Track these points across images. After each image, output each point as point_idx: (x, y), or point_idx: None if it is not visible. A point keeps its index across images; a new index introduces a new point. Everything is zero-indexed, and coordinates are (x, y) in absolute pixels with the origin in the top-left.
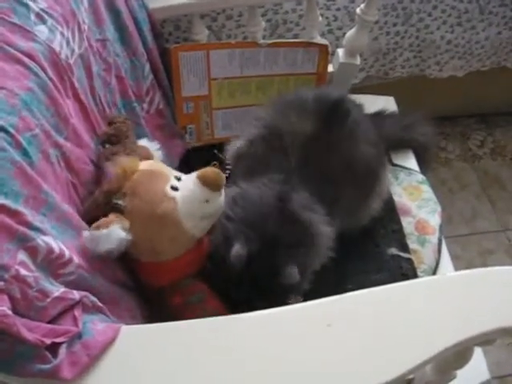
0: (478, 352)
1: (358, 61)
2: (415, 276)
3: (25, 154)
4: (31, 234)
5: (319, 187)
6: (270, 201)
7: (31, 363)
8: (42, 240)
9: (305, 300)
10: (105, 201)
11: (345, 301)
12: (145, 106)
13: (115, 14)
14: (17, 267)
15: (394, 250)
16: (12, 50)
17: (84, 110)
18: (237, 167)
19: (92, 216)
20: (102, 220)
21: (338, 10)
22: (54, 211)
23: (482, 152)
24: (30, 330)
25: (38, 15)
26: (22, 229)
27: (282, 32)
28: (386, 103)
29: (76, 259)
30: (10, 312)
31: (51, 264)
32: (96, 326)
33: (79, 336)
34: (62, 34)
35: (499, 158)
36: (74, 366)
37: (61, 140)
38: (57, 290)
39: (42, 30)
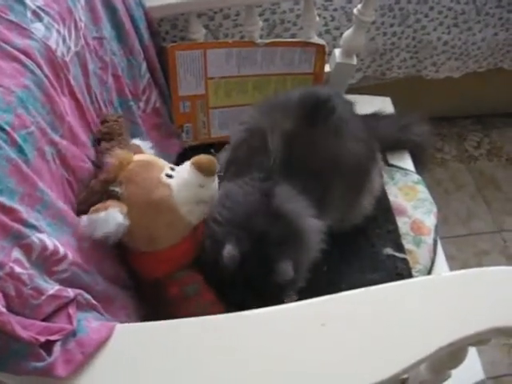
0: (472, 352)
1: (354, 61)
2: (410, 276)
3: (20, 151)
4: (26, 231)
5: (303, 184)
6: (254, 198)
7: (25, 361)
8: (36, 237)
9: (299, 300)
10: (101, 189)
11: (339, 300)
12: (141, 104)
13: (112, 11)
14: (11, 264)
15: (389, 250)
16: (8, 48)
17: (80, 107)
18: (225, 174)
19: (88, 205)
20: (100, 204)
21: (336, 10)
22: (49, 208)
23: (479, 153)
24: (25, 328)
25: (34, 13)
26: (16, 226)
27: (280, 32)
28: (383, 104)
29: (70, 256)
30: (4, 310)
31: (46, 261)
32: (90, 323)
33: (73, 334)
34: (59, 31)
35: (495, 159)
36: (68, 363)
37: (56, 138)
38: (51, 287)
39: (38, 28)
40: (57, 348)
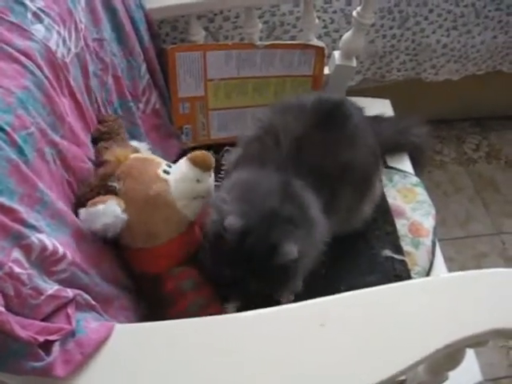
0: (470, 354)
1: (354, 63)
2: (409, 278)
3: (20, 152)
4: (26, 231)
5: (313, 186)
6: (270, 180)
7: (24, 361)
8: (36, 238)
9: (297, 301)
10: (99, 184)
11: (338, 301)
12: (141, 105)
13: (112, 13)
14: (10, 264)
15: (387, 252)
16: (9, 49)
17: (80, 108)
18: (235, 169)
19: (86, 199)
20: (99, 198)
21: (335, 12)
22: (48, 209)
23: (477, 156)
24: (24, 328)
25: (34, 14)
26: (16, 226)
27: (279, 34)
28: (382, 106)
29: (70, 256)
30: (3, 309)
31: (45, 261)
32: (89, 324)
33: (72, 334)
34: (59, 32)
35: (494, 162)
36: (67, 363)
37: (57, 138)
38: (50, 287)
39: (38, 29)
40: (56, 348)
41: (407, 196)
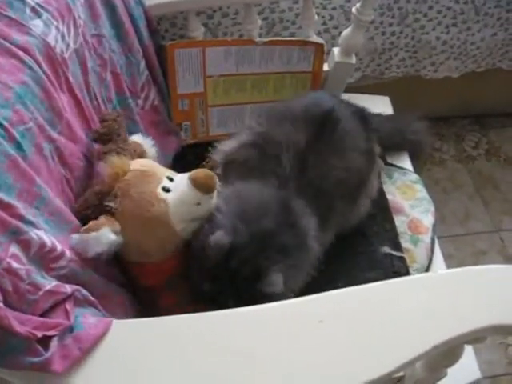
0: (469, 351)
1: (353, 60)
2: (407, 274)
3: (18, 147)
4: (24, 227)
5: (314, 198)
6: (271, 199)
7: (22, 356)
8: (34, 233)
9: (296, 297)
10: (96, 202)
11: (337, 297)
12: (140, 102)
13: (111, 9)
14: (8, 260)
15: (386, 249)
16: (7, 44)
17: (78, 104)
18: (227, 171)
19: (83, 215)
20: (92, 223)
21: (334, 9)
22: (46, 205)
23: (477, 153)
24: (22, 323)
25: (33, 9)
26: (14, 222)
27: (279, 30)
28: (382, 103)
29: (68, 253)
30: (1, 304)
31: (43, 258)
32: (87, 319)
33: (71, 329)
34: (58, 28)
35: (493, 159)
36: (65, 359)
37: (54, 134)
38: (49, 283)
39: (37, 24)
40: (54, 343)
41: (406, 193)
